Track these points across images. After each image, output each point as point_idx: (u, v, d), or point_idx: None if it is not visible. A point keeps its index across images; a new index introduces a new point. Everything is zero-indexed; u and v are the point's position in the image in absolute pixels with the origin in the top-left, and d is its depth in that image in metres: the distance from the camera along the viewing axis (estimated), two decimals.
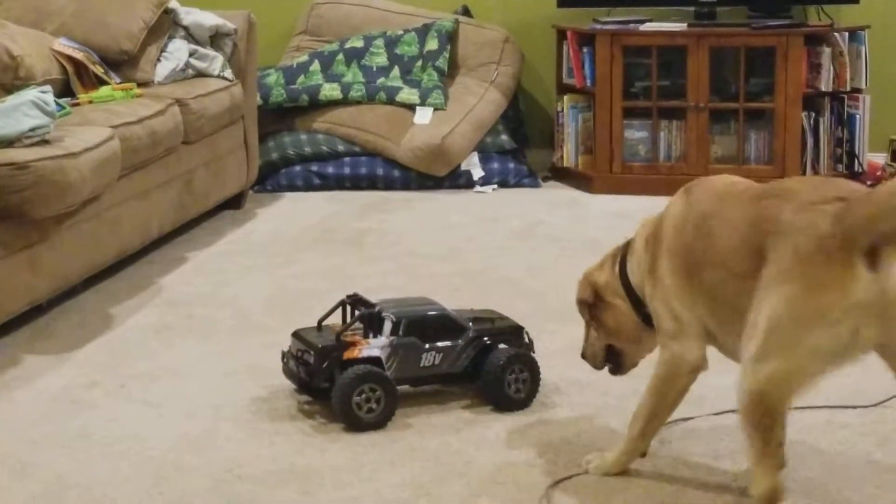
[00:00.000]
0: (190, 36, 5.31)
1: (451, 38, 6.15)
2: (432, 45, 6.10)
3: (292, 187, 5.91)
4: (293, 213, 5.47)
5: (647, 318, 2.66)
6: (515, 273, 4.41)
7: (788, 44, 5.58)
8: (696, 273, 2.47)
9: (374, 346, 3.08)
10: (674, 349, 2.55)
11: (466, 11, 6.36)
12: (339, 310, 3.27)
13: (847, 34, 5.72)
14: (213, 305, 4.08)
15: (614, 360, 2.83)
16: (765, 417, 2.28)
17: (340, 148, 5.94)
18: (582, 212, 5.43)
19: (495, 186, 5.90)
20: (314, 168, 5.92)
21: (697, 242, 2.47)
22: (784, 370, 2.24)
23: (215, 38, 5.38)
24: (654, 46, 5.76)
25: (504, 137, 6.01)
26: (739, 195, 2.45)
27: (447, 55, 6.11)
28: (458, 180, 5.90)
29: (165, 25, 5.22)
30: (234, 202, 5.51)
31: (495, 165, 5.94)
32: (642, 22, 5.85)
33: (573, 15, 6.12)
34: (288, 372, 3.22)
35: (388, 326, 3.11)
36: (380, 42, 6.17)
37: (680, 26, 5.76)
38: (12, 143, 3.66)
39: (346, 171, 5.92)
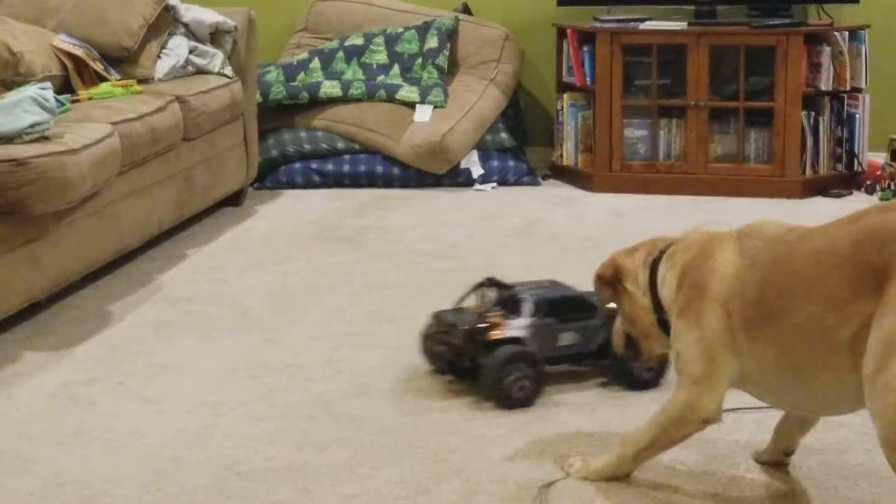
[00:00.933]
0: (190, 33, 5.31)
1: (451, 35, 6.14)
2: (432, 42, 6.10)
3: (292, 184, 5.91)
4: (293, 210, 5.47)
5: (662, 323, 2.65)
6: (514, 271, 4.39)
7: (788, 43, 5.58)
8: (768, 321, 2.37)
9: (516, 327, 3.18)
10: (693, 395, 2.50)
11: (466, 9, 6.36)
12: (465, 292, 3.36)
13: (847, 34, 5.72)
14: (213, 302, 4.09)
15: (633, 347, 2.81)
16: None
17: (340, 145, 5.94)
18: (581, 210, 5.43)
19: (495, 184, 5.91)
20: (314, 165, 5.92)
21: (769, 290, 2.37)
22: None
23: (215, 35, 5.38)
24: (654, 45, 5.76)
25: (504, 135, 6.01)
26: (812, 232, 2.36)
27: (447, 53, 6.11)
28: (457, 178, 5.90)
29: (165, 22, 5.22)
30: (234, 199, 5.51)
31: (495, 163, 5.94)
32: (642, 20, 5.85)
33: (573, 13, 6.12)
34: (429, 352, 3.32)
35: (528, 308, 3.20)
36: (380, 40, 6.17)
37: (680, 25, 5.76)
38: (12, 140, 3.67)
39: (346, 168, 5.92)
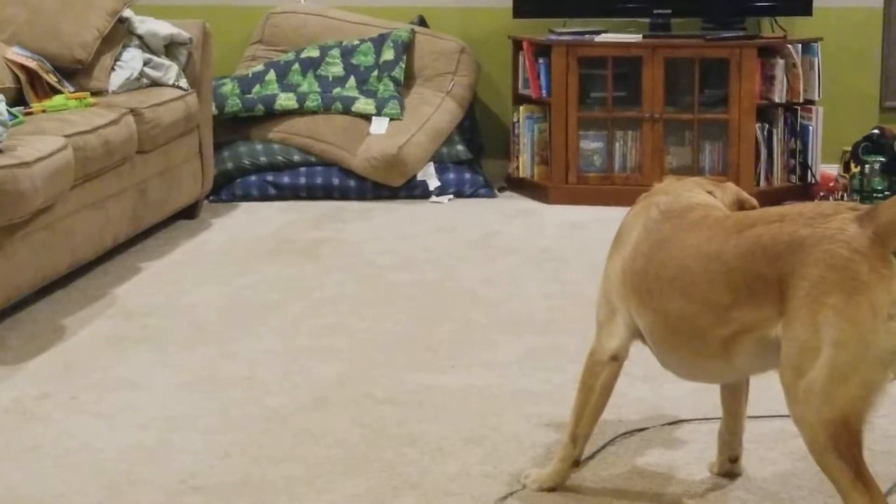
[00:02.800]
0: (144, 45, 5.28)
1: (407, 48, 6.15)
2: (388, 55, 6.10)
3: (247, 197, 5.89)
4: (248, 223, 5.45)
5: None
6: (471, 283, 4.41)
7: (742, 55, 5.62)
8: (647, 294, 2.48)
9: None
10: (599, 338, 2.59)
11: (423, 22, 6.37)
12: None
13: (800, 46, 5.77)
14: (168, 316, 4.06)
15: None
16: (852, 444, 2.16)
17: (296, 158, 5.92)
18: (537, 222, 5.44)
19: (451, 197, 5.91)
20: (270, 178, 5.90)
21: (651, 267, 2.47)
22: (861, 384, 2.14)
23: (170, 48, 5.35)
24: (609, 57, 5.78)
25: (460, 148, 6.02)
26: (705, 224, 2.42)
27: (403, 65, 6.11)
28: (414, 190, 5.90)
29: (120, 34, 5.19)
30: (189, 212, 5.48)
31: (451, 176, 5.94)
32: (598, 33, 5.88)
33: (529, 26, 6.13)
34: None
35: None
36: (335, 52, 6.16)
37: (635, 37, 5.79)
38: None
39: (302, 180, 5.90)
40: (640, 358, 2.68)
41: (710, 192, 2.63)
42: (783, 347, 2.23)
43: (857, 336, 2.13)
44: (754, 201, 2.66)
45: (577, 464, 2.67)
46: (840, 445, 2.16)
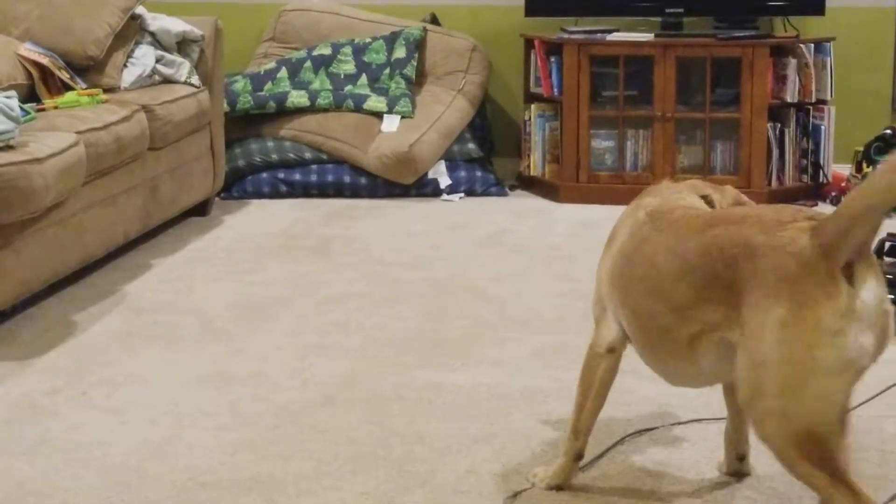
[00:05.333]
0: (157, 42, 5.29)
1: (418, 46, 6.15)
2: (400, 53, 6.10)
3: (259, 194, 5.90)
4: (259, 219, 5.46)
5: None
6: (481, 281, 4.41)
7: (754, 55, 5.61)
8: (625, 293, 2.50)
9: None
10: (595, 333, 2.61)
11: (434, 20, 6.37)
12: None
13: (812, 46, 5.76)
14: (178, 312, 4.07)
15: None
16: (822, 451, 2.16)
17: (307, 155, 5.93)
18: (548, 221, 5.44)
19: (462, 195, 5.91)
20: (281, 175, 5.91)
21: (628, 267, 2.50)
22: (815, 397, 2.14)
23: (182, 45, 5.36)
24: (621, 56, 5.78)
25: (471, 146, 6.02)
26: (679, 224, 2.44)
27: (415, 63, 6.11)
28: (424, 188, 5.91)
29: (132, 31, 5.20)
30: (200, 209, 5.49)
31: (462, 174, 5.95)
32: (609, 32, 5.87)
33: (541, 24, 6.13)
34: None
35: None
36: (347, 50, 6.16)
37: (647, 36, 5.78)
38: None
39: (313, 178, 5.91)
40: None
41: (706, 196, 2.62)
42: (738, 358, 2.23)
43: (802, 352, 2.12)
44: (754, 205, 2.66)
45: (580, 457, 2.67)
46: (811, 456, 2.16)
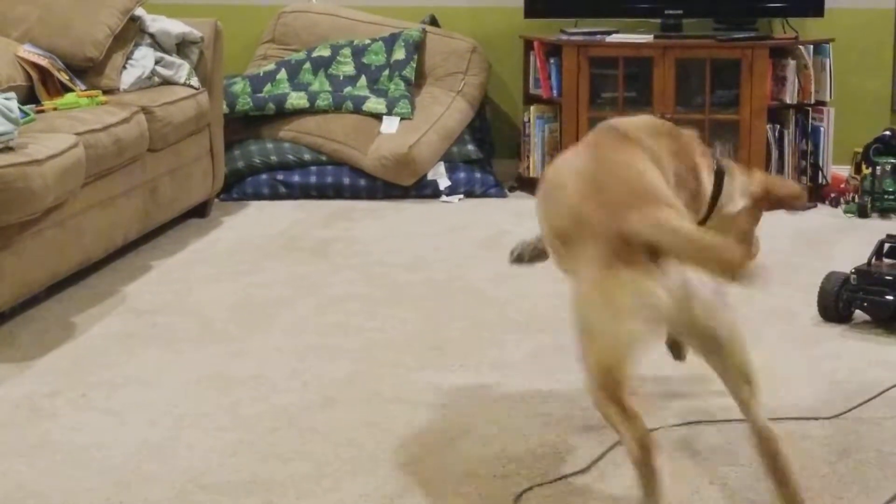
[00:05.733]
0: (156, 43, 5.29)
1: (418, 47, 6.15)
2: (399, 54, 6.10)
3: (258, 196, 5.89)
4: (259, 221, 5.46)
5: None
6: (480, 283, 4.41)
7: (754, 56, 5.61)
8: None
9: None
10: None
11: (434, 21, 6.37)
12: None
13: (812, 47, 5.76)
14: (177, 314, 4.07)
15: None
16: (616, 388, 2.37)
17: (307, 156, 5.93)
18: None
19: (461, 196, 5.91)
20: (280, 176, 5.91)
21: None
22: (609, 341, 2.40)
23: (182, 46, 5.36)
24: (620, 58, 5.78)
25: (470, 147, 6.02)
26: (572, 173, 2.66)
27: (414, 65, 6.11)
28: (424, 190, 5.91)
29: (131, 33, 5.20)
30: (200, 210, 5.49)
31: (461, 175, 5.95)
32: (609, 33, 5.87)
33: (540, 25, 6.13)
34: (857, 307, 3.70)
35: None
36: (347, 51, 6.16)
37: (646, 38, 5.78)
38: None
39: (313, 179, 5.91)
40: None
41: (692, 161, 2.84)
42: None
43: (600, 309, 2.43)
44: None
45: None
46: (608, 389, 2.37)
